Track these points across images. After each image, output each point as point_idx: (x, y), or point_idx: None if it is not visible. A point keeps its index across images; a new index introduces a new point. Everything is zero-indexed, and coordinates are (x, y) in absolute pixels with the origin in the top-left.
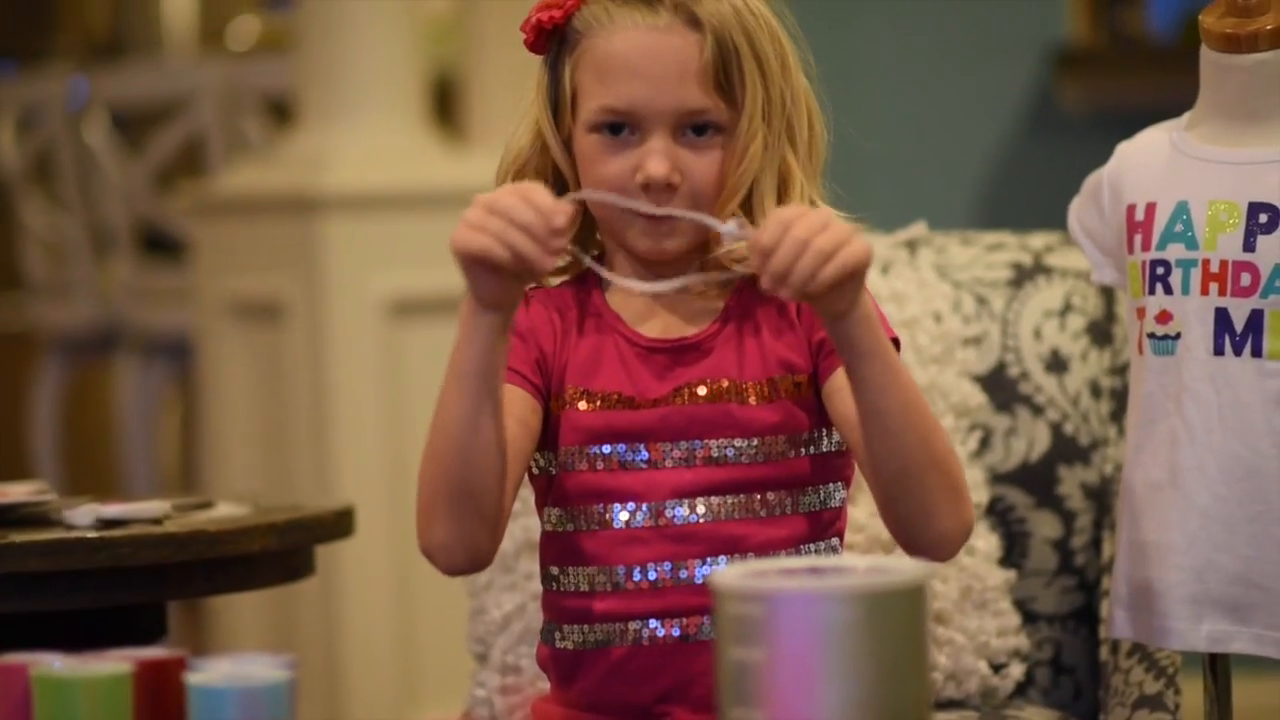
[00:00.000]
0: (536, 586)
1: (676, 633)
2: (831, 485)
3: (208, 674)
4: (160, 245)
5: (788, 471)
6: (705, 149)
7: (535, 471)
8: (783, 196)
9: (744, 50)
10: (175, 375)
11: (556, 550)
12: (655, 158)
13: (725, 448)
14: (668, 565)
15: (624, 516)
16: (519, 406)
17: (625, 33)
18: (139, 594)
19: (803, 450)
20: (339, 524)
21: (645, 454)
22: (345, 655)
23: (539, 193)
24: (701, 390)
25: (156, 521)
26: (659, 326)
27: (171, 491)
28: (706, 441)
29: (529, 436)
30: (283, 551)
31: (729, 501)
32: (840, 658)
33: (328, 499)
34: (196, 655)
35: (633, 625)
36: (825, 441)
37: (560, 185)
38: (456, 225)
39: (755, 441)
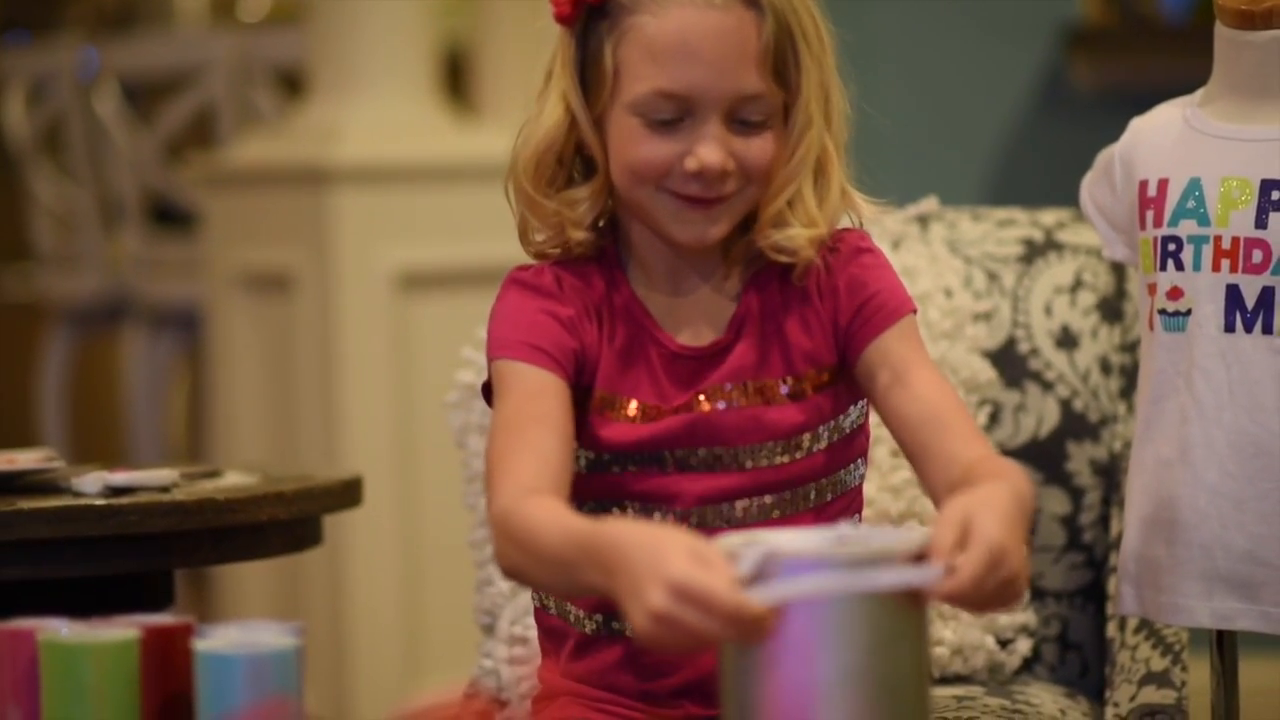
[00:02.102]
0: None
1: None
2: (852, 465)
3: (216, 640)
4: (170, 216)
5: (812, 464)
6: (757, 132)
7: None
8: (819, 180)
9: (797, 30)
10: (184, 346)
11: None
12: (710, 145)
13: (752, 452)
14: None
15: (649, 520)
16: (565, 395)
17: (679, 10)
18: (146, 562)
19: (826, 439)
20: (347, 494)
21: (670, 461)
22: (351, 625)
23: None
24: (725, 398)
25: (164, 490)
26: (684, 321)
27: (179, 462)
28: (734, 448)
29: (572, 422)
30: (290, 521)
31: (754, 504)
32: (839, 629)
33: (336, 469)
34: (203, 624)
35: None
36: (847, 422)
37: (585, 164)
38: (638, 610)
39: (783, 443)
